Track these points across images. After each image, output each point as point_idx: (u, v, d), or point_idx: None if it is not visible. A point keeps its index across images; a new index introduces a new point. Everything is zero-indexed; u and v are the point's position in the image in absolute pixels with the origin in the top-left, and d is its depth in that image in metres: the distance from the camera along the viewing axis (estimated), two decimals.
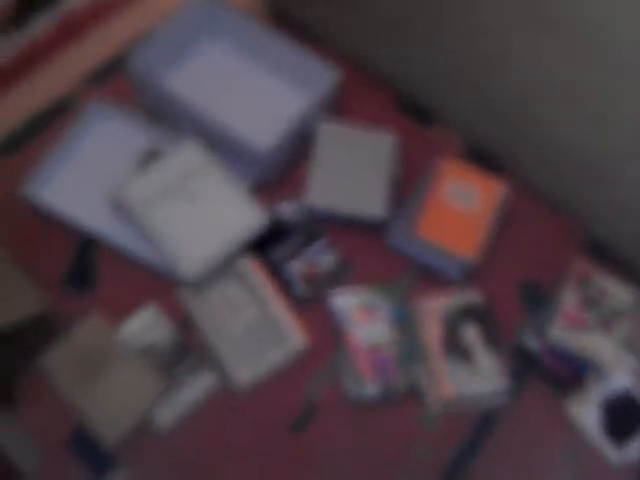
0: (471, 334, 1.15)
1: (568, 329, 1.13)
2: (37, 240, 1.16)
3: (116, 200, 1.13)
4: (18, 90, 1.31)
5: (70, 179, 1.20)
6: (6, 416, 1.01)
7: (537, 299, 1.19)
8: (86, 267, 1.14)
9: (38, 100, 1.30)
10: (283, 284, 1.16)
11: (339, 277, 1.18)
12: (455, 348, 1.13)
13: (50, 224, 1.17)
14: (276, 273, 1.17)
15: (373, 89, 1.36)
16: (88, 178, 1.20)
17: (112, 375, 1.03)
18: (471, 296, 1.17)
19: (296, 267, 1.17)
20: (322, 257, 1.19)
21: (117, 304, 1.12)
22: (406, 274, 1.20)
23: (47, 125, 1.27)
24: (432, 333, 1.14)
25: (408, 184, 1.26)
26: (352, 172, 1.21)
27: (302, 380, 1.10)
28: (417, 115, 1.34)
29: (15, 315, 0.95)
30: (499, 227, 1.23)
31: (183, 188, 1.14)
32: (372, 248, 1.21)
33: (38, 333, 1.02)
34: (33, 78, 1.33)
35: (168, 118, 1.25)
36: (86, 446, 1.02)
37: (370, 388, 1.09)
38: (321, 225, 1.21)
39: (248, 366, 1.09)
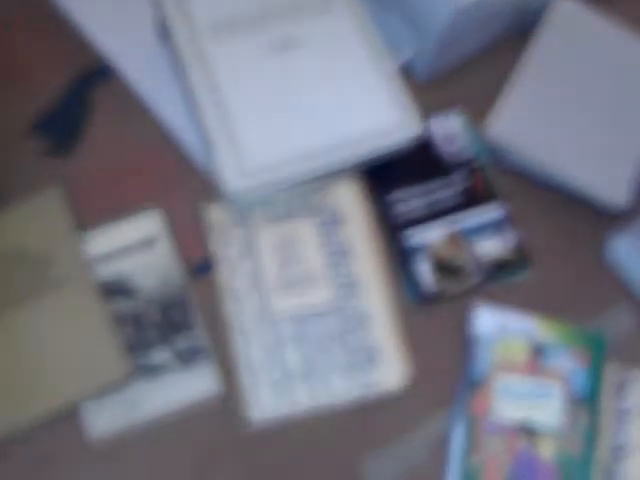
0: None
1: None
2: (23, 47, 0.69)
3: (163, 19, 0.64)
4: None
5: None
6: None
7: None
8: (76, 113, 0.66)
9: None
10: (396, 256, 0.63)
11: (502, 279, 0.63)
12: None
13: (54, 27, 0.69)
14: (392, 237, 0.64)
15: None
16: None
17: (42, 315, 0.56)
18: None
19: (432, 236, 0.63)
20: (485, 235, 0.64)
21: (103, 190, 0.64)
22: (620, 313, 0.64)
23: None
24: None
25: None
26: (589, 106, 0.67)
27: (362, 444, 0.57)
28: None
29: None
30: None
31: (284, 27, 0.64)
32: (577, 248, 0.66)
33: None
34: None
35: None
36: None
37: None
38: (499, 178, 0.67)
39: (275, 395, 0.57)
